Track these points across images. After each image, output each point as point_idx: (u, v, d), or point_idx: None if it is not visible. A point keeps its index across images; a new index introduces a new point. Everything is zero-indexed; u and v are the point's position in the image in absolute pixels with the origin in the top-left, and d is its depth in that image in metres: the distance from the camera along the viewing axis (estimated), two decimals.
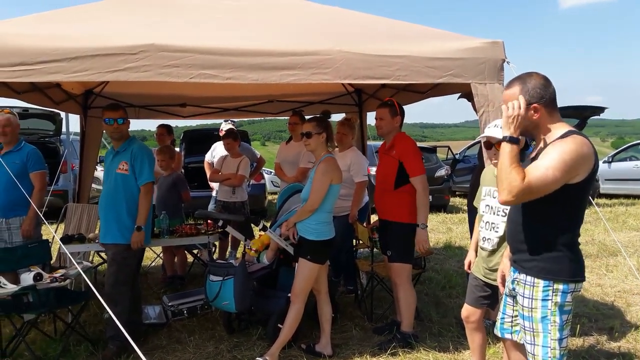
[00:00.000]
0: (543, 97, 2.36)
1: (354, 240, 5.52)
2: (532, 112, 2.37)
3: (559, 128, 2.37)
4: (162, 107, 6.92)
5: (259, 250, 4.28)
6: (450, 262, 7.07)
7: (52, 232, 3.77)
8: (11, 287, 3.83)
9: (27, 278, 3.87)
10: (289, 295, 3.87)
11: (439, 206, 12.00)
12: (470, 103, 4.08)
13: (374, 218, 4.79)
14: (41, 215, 3.97)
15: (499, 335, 2.80)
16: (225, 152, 6.31)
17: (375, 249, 4.75)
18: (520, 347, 2.68)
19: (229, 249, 6.54)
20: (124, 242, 3.99)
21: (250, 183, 8.39)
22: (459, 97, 4.58)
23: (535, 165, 2.26)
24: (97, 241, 4.51)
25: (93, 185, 7.35)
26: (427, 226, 3.99)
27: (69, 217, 5.78)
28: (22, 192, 4.02)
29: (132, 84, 5.53)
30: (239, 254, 6.09)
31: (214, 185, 6.67)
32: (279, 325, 3.92)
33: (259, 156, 7.51)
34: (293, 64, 3.53)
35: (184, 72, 3.43)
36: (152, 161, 4.22)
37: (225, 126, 6.84)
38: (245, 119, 8.12)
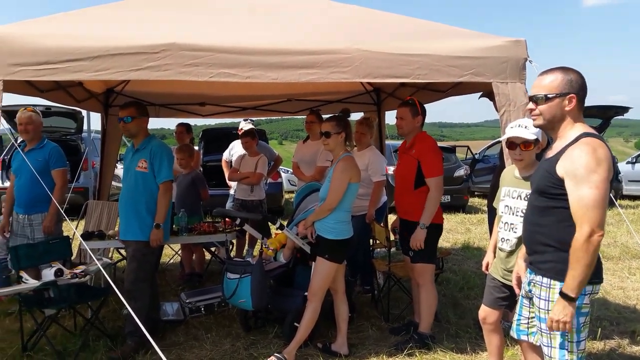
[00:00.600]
0: (581, 90, 2.38)
1: (371, 240, 5.51)
2: (567, 101, 2.36)
3: (577, 128, 2.36)
4: (182, 106, 6.97)
5: (276, 249, 4.29)
6: (468, 263, 7.01)
7: (72, 229, 3.82)
8: (33, 283, 3.89)
9: (48, 274, 3.92)
10: (306, 294, 3.87)
11: (458, 206, 11.87)
12: (491, 102, 4.03)
13: (391, 218, 4.76)
14: (62, 212, 4.02)
15: (515, 337, 2.77)
16: (243, 151, 6.34)
17: (392, 249, 4.72)
18: (537, 349, 2.65)
19: (246, 247, 6.57)
20: (144, 239, 4.02)
21: (268, 182, 8.41)
22: (480, 97, 4.53)
23: (579, 196, 2.22)
24: (116, 238, 4.55)
25: (113, 183, 7.44)
26: (426, 227, 3.93)
27: (89, 214, 5.86)
28: (44, 189, 4.06)
29: (152, 82, 5.58)
30: (256, 252, 6.11)
31: (232, 184, 6.70)
32: (296, 324, 3.92)
33: (276, 155, 7.53)
34: (312, 63, 3.53)
35: (204, 71, 3.45)
36: (171, 159, 4.24)
37: (245, 125, 6.86)
38: (263, 118, 8.15)
